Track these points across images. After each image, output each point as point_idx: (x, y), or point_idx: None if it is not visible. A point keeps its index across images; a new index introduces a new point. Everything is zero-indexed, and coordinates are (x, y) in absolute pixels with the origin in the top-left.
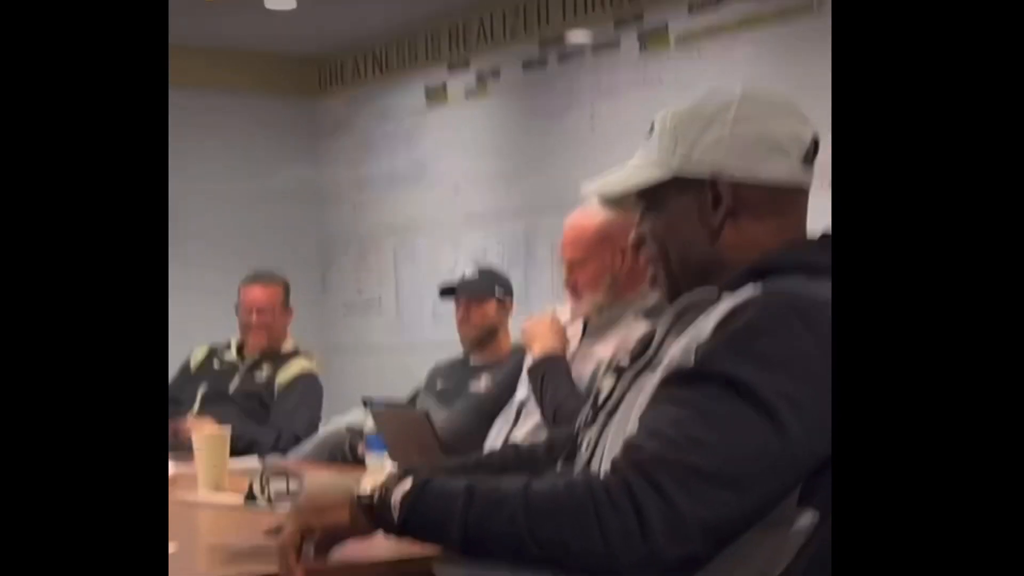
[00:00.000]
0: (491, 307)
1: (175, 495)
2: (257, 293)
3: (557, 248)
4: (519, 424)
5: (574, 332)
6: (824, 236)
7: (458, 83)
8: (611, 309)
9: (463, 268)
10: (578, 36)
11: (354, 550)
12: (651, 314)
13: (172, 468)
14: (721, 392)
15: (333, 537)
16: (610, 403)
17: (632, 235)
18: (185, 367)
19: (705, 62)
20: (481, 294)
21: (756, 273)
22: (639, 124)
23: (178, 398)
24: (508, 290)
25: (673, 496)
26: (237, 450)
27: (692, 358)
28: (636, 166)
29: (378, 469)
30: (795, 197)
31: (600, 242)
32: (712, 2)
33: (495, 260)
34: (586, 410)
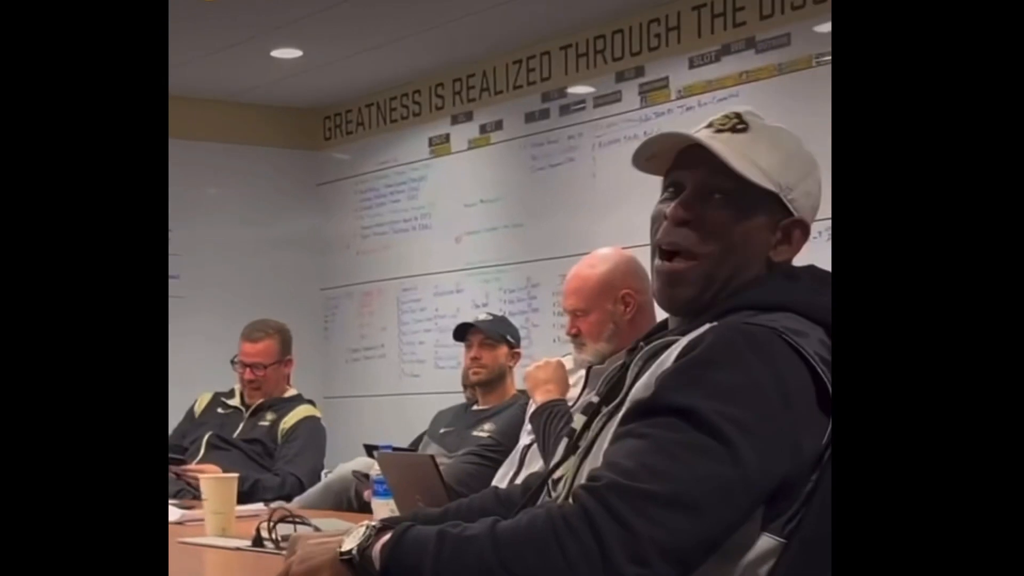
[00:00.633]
0: (503, 351)
1: (182, 539)
2: (247, 349)
3: (559, 297)
4: (522, 470)
5: (577, 380)
6: (778, 274)
7: (461, 134)
8: (614, 358)
9: (468, 315)
10: (580, 88)
11: None
12: None
13: (179, 513)
14: (675, 422)
15: None
16: (584, 442)
17: (677, 208)
18: (190, 413)
19: (705, 115)
20: (496, 337)
21: (716, 315)
22: (639, 175)
23: (183, 445)
24: (517, 339)
25: (629, 520)
26: (242, 495)
27: (650, 392)
28: (740, 155)
29: (383, 514)
30: None
31: (602, 292)
32: (712, 56)
33: (497, 308)
34: (562, 449)
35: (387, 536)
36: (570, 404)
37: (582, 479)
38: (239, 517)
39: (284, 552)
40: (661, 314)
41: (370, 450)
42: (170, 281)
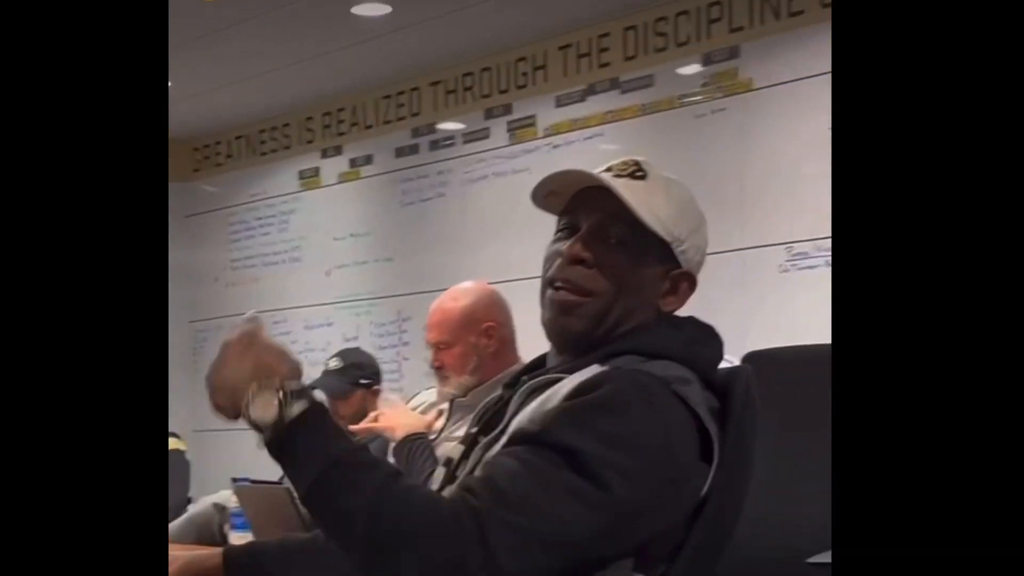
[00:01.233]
0: (356, 398)
1: None
2: None
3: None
4: None
5: (441, 413)
6: (664, 322)
7: (331, 167)
8: (477, 390)
9: (338, 347)
10: (449, 125)
11: None
12: None
13: None
14: (558, 459)
15: None
16: (462, 472)
17: (575, 245)
18: None
19: (572, 153)
20: (341, 391)
21: (602, 357)
22: (508, 211)
23: None
24: (373, 375)
25: (495, 549)
26: None
27: (536, 426)
28: (640, 203)
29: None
30: None
31: (465, 325)
32: (578, 96)
33: (368, 342)
34: (440, 478)
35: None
36: (432, 437)
37: None
38: None
39: None
40: (524, 348)
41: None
42: None
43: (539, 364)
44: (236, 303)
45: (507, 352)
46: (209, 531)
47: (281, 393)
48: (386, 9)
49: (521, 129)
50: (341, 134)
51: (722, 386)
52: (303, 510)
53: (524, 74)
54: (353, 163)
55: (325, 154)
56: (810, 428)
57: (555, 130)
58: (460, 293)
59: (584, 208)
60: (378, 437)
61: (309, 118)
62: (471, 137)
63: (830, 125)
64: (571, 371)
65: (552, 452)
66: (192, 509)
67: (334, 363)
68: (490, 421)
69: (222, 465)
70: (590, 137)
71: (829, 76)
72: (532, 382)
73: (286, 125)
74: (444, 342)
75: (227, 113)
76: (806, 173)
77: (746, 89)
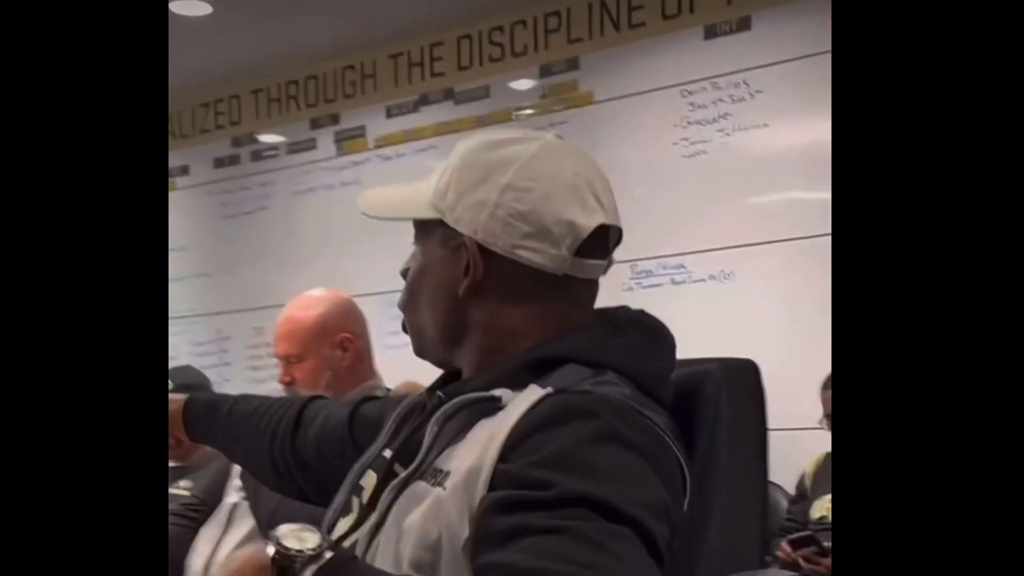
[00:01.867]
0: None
1: None
2: None
3: (253, 350)
4: (231, 530)
5: None
6: (596, 323)
7: None
8: None
9: None
10: (272, 135)
11: None
12: None
13: None
14: (583, 511)
15: None
16: (377, 511)
17: (403, 264)
18: None
19: (403, 165)
20: None
21: (532, 368)
22: (336, 225)
23: None
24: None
25: None
26: None
27: (511, 478)
28: (419, 191)
29: None
30: (565, 285)
31: (318, 336)
32: (410, 107)
33: (186, 362)
34: (340, 500)
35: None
36: None
37: (376, 551)
38: None
39: None
40: (383, 361)
41: None
42: None
43: (448, 379)
44: None
45: (363, 366)
46: None
47: None
48: (206, 9)
49: (349, 140)
50: None
51: (682, 400)
52: None
53: (352, 83)
54: (168, 173)
55: None
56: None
57: (386, 141)
58: (312, 301)
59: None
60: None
61: None
62: (296, 148)
63: (675, 140)
64: (491, 386)
65: (574, 507)
66: None
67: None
68: (406, 446)
69: None
70: (423, 149)
71: (673, 89)
72: (450, 405)
73: None
74: (295, 355)
75: None
76: (650, 188)
77: (586, 102)
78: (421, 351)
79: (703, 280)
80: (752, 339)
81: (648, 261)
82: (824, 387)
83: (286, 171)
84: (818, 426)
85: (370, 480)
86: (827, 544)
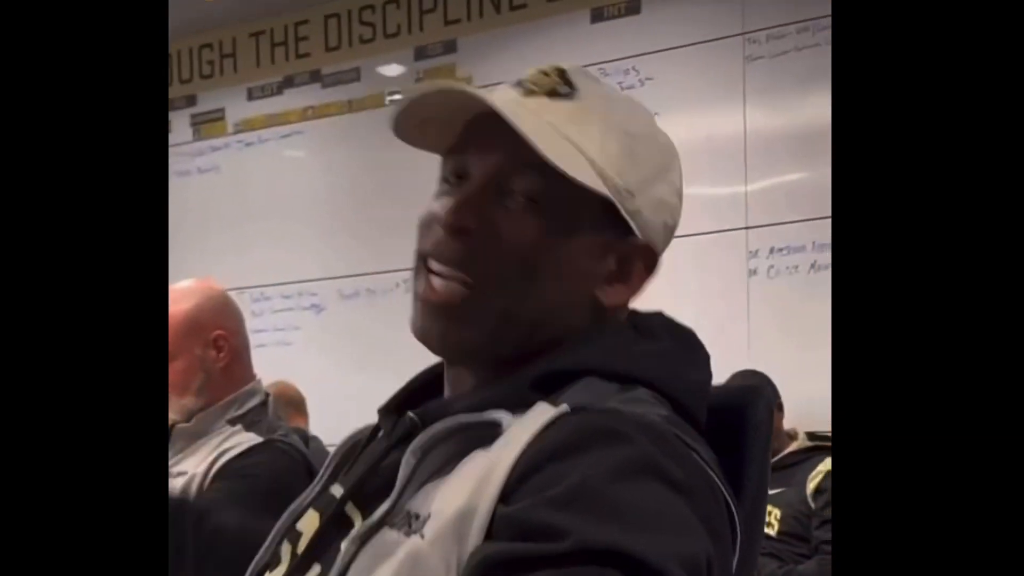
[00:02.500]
0: None
1: None
2: None
3: None
4: None
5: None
6: (619, 323)
7: None
8: (204, 414)
9: None
10: None
11: None
12: (252, 423)
13: None
14: (608, 571)
15: None
16: (324, 565)
17: (456, 206)
18: None
19: (266, 152)
20: None
21: (541, 383)
22: (195, 215)
23: None
24: None
25: None
26: None
27: (514, 523)
28: (557, 137)
29: None
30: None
31: (189, 333)
32: (273, 89)
33: None
34: (266, 548)
35: None
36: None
37: None
38: None
39: None
40: (261, 362)
41: None
42: None
43: (425, 391)
44: None
45: (240, 367)
46: None
47: None
48: None
49: (208, 124)
50: None
51: (723, 422)
52: None
53: (210, 62)
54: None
55: None
56: None
57: (247, 126)
58: (181, 294)
59: (476, 146)
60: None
61: None
62: None
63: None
64: (487, 406)
65: (594, 565)
66: None
67: None
68: (364, 483)
69: None
70: (288, 135)
71: None
72: (435, 431)
73: None
74: None
75: None
76: None
77: None
78: (463, 340)
79: None
80: None
81: None
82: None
83: None
84: None
85: (310, 523)
86: None
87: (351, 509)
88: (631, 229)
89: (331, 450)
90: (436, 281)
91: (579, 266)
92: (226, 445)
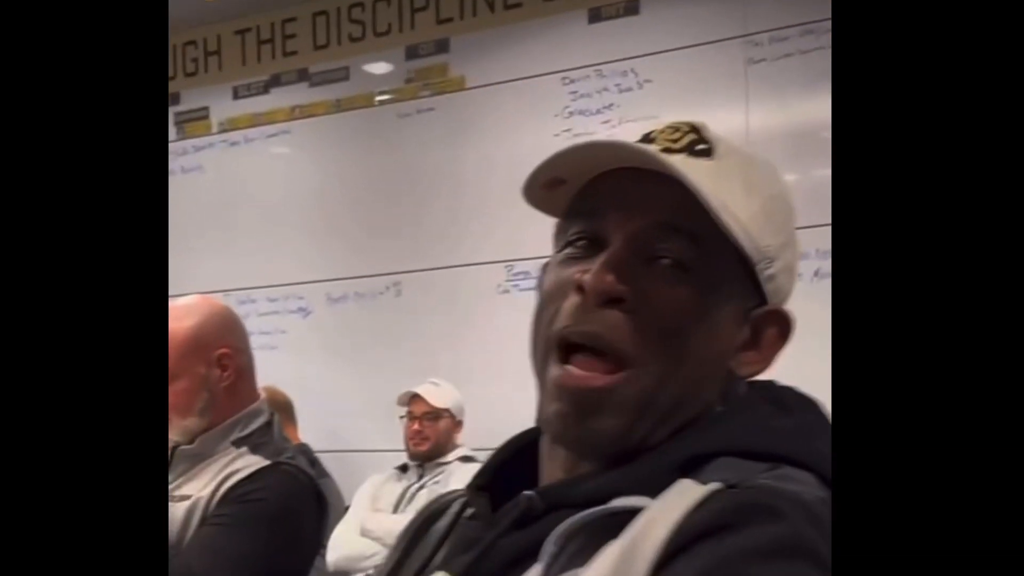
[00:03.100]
0: None
1: None
2: None
3: None
4: None
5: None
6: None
7: None
8: (208, 435)
9: None
10: None
11: None
12: (257, 445)
13: None
14: None
15: None
16: None
17: (605, 270)
18: None
19: (252, 151)
20: None
21: (683, 465)
22: (179, 216)
23: None
24: None
25: None
26: None
27: None
28: (713, 196)
29: None
30: None
31: (193, 351)
32: (260, 87)
33: None
34: None
35: None
36: None
37: None
38: None
39: None
40: (268, 376)
41: None
42: None
43: (516, 450)
44: None
45: (244, 386)
46: None
47: None
48: None
49: (192, 123)
50: None
51: None
52: None
53: (194, 60)
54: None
55: None
56: None
57: (232, 125)
58: (183, 311)
59: (615, 207)
60: None
61: None
62: None
63: (557, 131)
64: (618, 491)
65: None
66: None
67: None
68: (480, 570)
69: None
70: (274, 135)
71: (553, 76)
72: (582, 519)
73: None
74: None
75: None
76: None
77: (457, 88)
78: (601, 432)
79: None
80: None
81: (526, 262)
82: None
83: None
84: None
85: None
86: None
87: None
88: (763, 295)
89: (319, 456)
90: (581, 360)
91: (723, 338)
92: (231, 468)
